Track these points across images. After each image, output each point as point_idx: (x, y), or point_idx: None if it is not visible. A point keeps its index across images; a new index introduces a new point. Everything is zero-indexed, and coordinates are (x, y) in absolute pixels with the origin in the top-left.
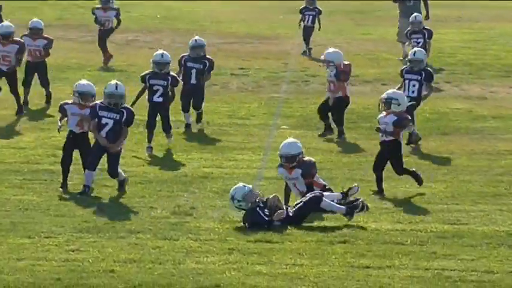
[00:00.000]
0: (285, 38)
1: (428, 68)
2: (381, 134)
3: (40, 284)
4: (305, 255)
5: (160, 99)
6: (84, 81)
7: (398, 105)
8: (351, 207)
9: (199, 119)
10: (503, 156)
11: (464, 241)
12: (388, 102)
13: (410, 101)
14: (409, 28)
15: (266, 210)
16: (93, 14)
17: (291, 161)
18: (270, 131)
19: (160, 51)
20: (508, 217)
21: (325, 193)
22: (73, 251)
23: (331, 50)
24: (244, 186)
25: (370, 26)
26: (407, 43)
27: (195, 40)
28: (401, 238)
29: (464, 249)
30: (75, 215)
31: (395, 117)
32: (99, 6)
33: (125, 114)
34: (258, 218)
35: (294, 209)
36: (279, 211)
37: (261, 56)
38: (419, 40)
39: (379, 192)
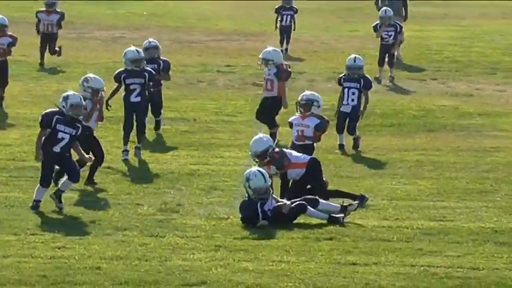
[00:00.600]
0: (272, 35)
1: (367, 76)
2: (294, 139)
3: (26, 281)
4: (291, 252)
5: (138, 99)
6: (91, 75)
7: (318, 107)
8: (334, 218)
9: (157, 126)
10: (489, 153)
11: (450, 238)
12: (308, 104)
13: (351, 110)
14: (377, 22)
15: (267, 207)
16: (37, 17)
17: (263, 157)
18: (256, 128)
19: (133, 48)
20: (494, 214)
21: (323, 201)
22: (59, 248)
23: (270, 48)
24: (265, 180)
25: (358, 23)
26: (378, 35)
27: (149, 42)
28: (388, 235)
29: (450, 245)
30: (61, 212)
31: (318, 121)
32: (43, 9)
33: (80, 129)
34: (254, 213)
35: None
36: (263, 221)
37: (247, 53)
38: (390, 33)
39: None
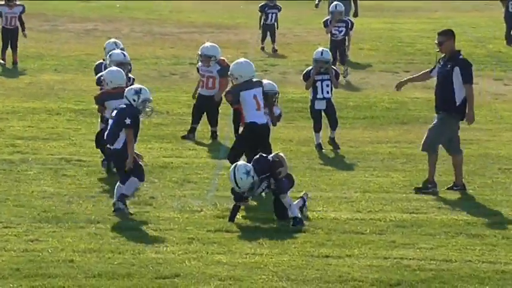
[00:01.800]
0: (245, 28)
1: (333, 67)
2: None
3: None
4: (265, 244)
5: None
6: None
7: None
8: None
9: None
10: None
11: (423, 230)
12: (273, 95)
13: (326, 105)
14: (328, 17)
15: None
16: None
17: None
18: (229, 121)
19: (118, 51)
20: (467, 206)
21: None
22: (32, 241)
23: (208, 44)
24: (236, 184)
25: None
26: (328, 30)
27: (115, 44)
28: (361, 227)
29: (422, 238)
30: (34, 205)
31: (279, 110)
32: (3, 2)
33: None
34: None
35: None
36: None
37: (220, 46)
38: (341, 29)
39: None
